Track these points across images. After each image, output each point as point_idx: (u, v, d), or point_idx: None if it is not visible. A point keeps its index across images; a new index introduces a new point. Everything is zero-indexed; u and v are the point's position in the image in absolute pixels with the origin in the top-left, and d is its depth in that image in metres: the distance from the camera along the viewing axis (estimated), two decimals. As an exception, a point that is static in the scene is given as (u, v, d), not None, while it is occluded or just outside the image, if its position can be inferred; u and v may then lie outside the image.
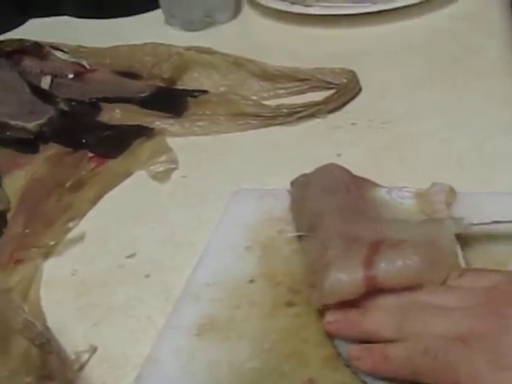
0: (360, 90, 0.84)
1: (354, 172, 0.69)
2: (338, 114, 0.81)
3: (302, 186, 0.62)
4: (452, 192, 0.59)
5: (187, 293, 0.57)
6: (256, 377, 0.49)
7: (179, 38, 1.03)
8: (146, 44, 0.96)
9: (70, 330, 0.59)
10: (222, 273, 0.58)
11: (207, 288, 0.57)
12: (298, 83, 0.86)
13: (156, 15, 1.14)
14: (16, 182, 0.77)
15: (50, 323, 0.60)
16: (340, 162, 0.71)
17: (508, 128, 0.72)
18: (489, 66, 0.85)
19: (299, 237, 0.59)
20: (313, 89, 0.85)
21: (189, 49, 0.92)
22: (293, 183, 0.65)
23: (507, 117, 0.74)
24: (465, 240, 0.55)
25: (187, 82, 0.91)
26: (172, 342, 0.53)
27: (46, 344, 0.51)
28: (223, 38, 1.04)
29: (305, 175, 0.64)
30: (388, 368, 0.46)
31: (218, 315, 0.55)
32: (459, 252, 0.52)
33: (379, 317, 0.48)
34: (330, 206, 0.57)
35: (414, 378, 0.45)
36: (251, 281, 0.57)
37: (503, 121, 0.74)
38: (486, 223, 0.53)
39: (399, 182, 0.67)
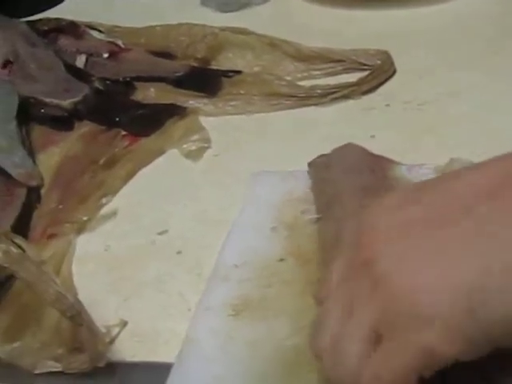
0: (395, 71, 0.83)
1: (390, 155, 0.69)
2: (371, 95, 0.80)
3: (322, 167, 0.62)
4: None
5: (216, 275, 0.57)
6: (297, 353, 0.49)
7: (215, 18, 1.02)
8: (181, 24, 0.96)
9: (102, 304, 0.60)
10: (249, 253, 0.58)
11: (236, 269, 0.57)
12: (332, 64, 0.85)
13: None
14: (51, 159, 0.77)
15: (82, 297, 0.60)
16: (374, 143, 0.71)
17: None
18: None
19: (319, 218, 0.59)
20: (347, 70, 0.85)
21: (224, 29, 0.92)
22: (311, 164, 0.64)
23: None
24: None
25: (222, 63, 0.91)
26: (207, 323, 0.53)
27: (76, 316, 0.52)
28: (259, 19, 1.03)
29: (323, 156, 0.63)
30: None
31: (251, 295, 0.55)
32: None
33: None
34: (353, 185, 0.56)
35: None
36: (281, 259, 0.57)
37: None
38: None
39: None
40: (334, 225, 0.54)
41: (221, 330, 0.52)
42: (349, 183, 0.57)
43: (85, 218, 0.68)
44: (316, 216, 0.59)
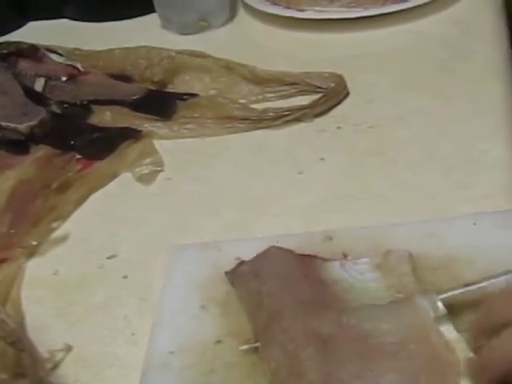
0: (348, 94, 0.84)
1: (338, 178, 0.70)
2: (324, 118, 0.81)
3: (251, 277, 0.56)
4: (411, 257, 0.55)
5: (152, 364, 0.53)
6: None
7: (176, 41, 1.04)
8: (140, 47, 0.97)
9: (49, 329, 0.61)
10: (182, 337, 0.54)
11: (172, 356, 0.53)
12: (286, 87, 0.86)
13: (155, 18, 1.15)
14: (5, 183, 0.78)
15: (29, 322, 0.61)
16: (323, 165, 0.72)
17: (495, 134, 0.72)
18: (477, 71, 0.85)
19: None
20: (301, 93, 0.86)
21: (181, 52, 0.93)
22: (233, 273, 0.58)
23: (494, 122, 0.74)
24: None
25: (178, 85, 0.92)
26: None
27: (17, 342, 0.52)
28: (218, 41, 1.05)
29: (245, 263, 0.58)
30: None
31: (194, 383, 0.50)
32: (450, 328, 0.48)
33: None
34: (292, 299, 0.52)
35: None
36: (218, 341, 0.53)
37: (490, 127, 0.74)
38: (457, 291, 0.50)
39: (382, 187, 0.68)
40: (280, 352, 0.48)
41: None
42: (286, 297, 0.52)
43: (35, 243, 0.68)
44: (255, 343, 0.51)
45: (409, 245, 0.56)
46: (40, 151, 0.82)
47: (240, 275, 0.57)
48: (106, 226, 0.71)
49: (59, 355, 0.57)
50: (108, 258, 0.67)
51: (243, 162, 0.77)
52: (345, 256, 0.57)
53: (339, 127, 0.79)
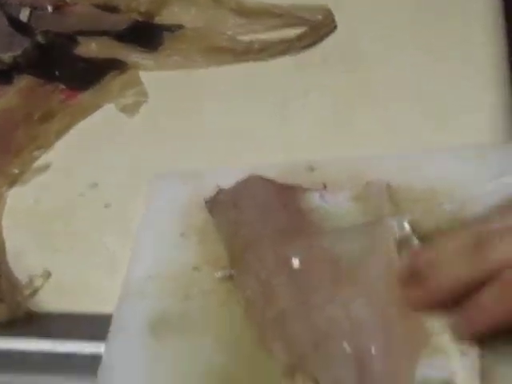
0: (335, 27, 0.83)
1: (322, 112, 0.70)
2: (310, 51, 0.80)
3: (229, 206, 0.56)
4: (390, 188, 0.55)
5: (129, 290, 0.53)
6: (227, 369, 0.46)
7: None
8: (126, -23, 0.95)
9: (29, 257, 0.61)
10: (161, 264, 0.54)
11: (149, 282, 0.53)
12: (273, 19, 0.85)
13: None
14: (-12, 113, 0.77)
15: (10, 249, 0.62)
16: (308, 99, 0.72)
17: (479, 76, 0.72)
18: (467, 14, 0.83)
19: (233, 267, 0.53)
20: (288, 25, 0.84)
21: (168, -17, 0.92)
22: (212, 202, 0.58)
23: (479, 65, 0.73)
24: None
25: (166, 17, 0.90)
26: (124, 347, 0.49)
27: (-6, 267, 0.52)
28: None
29: (224, 191, 0.58)
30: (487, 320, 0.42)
31: (170, 310, 0.51)
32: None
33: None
34: (269, 228, 0.52)
35: None
36: (195, 268, 0.53)
37: (475, 69, 0.73)
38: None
39: (365, 123, 0.68)
40: (254, 280, 0.49)
41: (140, 353, 0.48)
42: (263, 226, 0.52)
43: (16, 171, 0.68)
44: (231, 271, 0.52)
45: (389, 177, 0.56)
46: (23, 81, 0.81)
47: (218, 203, 0.57)
48: (88, 156, 0.71)
49: (38, 281, 0.58)
50: (89, 186, 0.67)
51: (228, 95, 0.76)
52: (325, 187, 0.57)
53: (325, 61, 0.78)
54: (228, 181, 0.58)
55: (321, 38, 0.81)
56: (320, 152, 0.66)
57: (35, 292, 0.57)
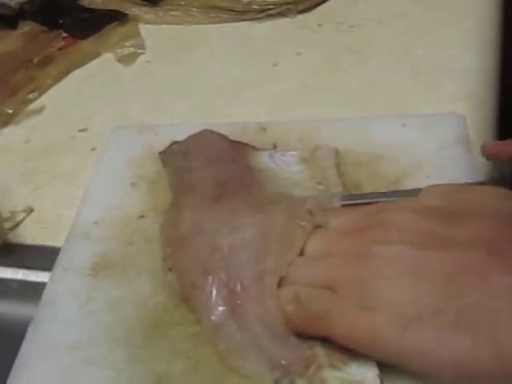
0: (333, -7, 0.85)
1: (311, 72, 0.72)
2: (307, 14, 0.82)
3: (179, 156, 0.57)
4: (337, 153, 0.56)
5: (74, 233, 0.54)
6: (162, 312, 0.46)
7: None
8: None
9: (13, 193, 0.64)
10: (109, 210, 0.55)
11: (95, 227, 0.53)
12: (274, -19, 0.87)
13: None
14: (-9, 55, 0.80)
15: (-4, 185, 0.64)
16: (299, 59, 0.74)
17: (467, 42, 0.73)
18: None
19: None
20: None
21: None
22: (166, 152, 0.58)
23: (468, 31, 0.75)
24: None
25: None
26: (66, 284, 0.49)
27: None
28: None
29: (178, 143, 0.58)
30: None
31: (111, 253, 0.51)
32: None
33: None
34: (211, 176, 0.53)
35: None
36: (141, 216, 0.54)
37: (463, 35, 0.74)
38: (354, 199, 0.50)
39: (352, 84, 0.70)
40: (178, 212, 0.50)
41: (81, 291, 0.48)
42: (207, 174, 0.53)
43: (10, 111, 0.71)
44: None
45: (337, 140, 0.57)
46: (27, 27, 0.84)
47: (170, 154, 0.58)
48: (82, 102, 0.73)
49: (20, 216, 0.60)
50: (79, 130, 0.69)
51: (222, 52, 0.78)
52: (274, 147, 0.58)
53: (320, 25, 0.80)
54: (183, 136, 0.58)
55: (318, 3, 0.82)
56: (304, 109, 0.68)
57: (16, 225, 0.60)
